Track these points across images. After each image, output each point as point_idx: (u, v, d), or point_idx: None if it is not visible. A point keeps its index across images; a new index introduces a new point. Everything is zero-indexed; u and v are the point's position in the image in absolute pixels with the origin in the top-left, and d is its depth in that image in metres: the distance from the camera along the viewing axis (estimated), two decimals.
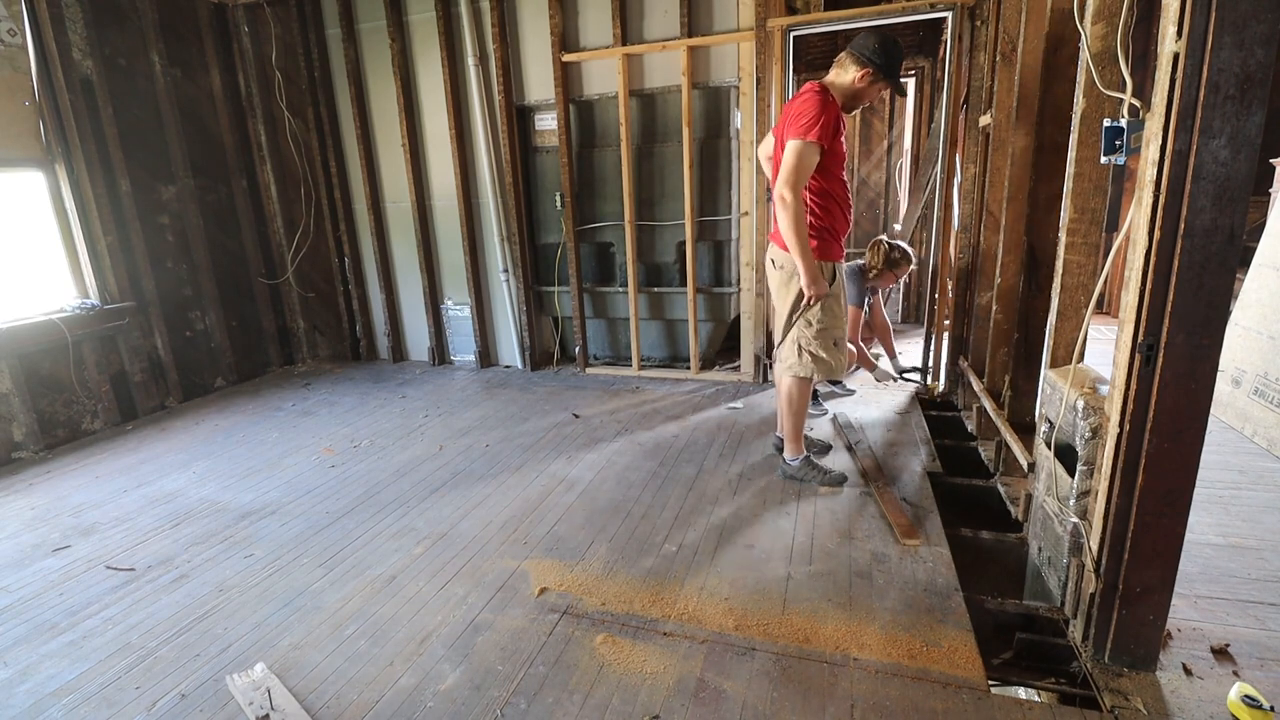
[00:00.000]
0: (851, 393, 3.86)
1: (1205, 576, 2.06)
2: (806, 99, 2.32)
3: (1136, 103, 1.55)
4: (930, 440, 3.13)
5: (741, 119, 3.81)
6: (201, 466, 3.22)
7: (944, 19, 3.46)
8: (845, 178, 2.51)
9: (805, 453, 2.78)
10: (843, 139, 2.43)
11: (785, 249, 2.48)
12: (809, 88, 2.35)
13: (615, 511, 2.61)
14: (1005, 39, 2.85)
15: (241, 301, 4.63)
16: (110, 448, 3.53)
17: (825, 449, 3.02)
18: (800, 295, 2.52)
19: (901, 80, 2.43)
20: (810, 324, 2.55)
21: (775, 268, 2.62)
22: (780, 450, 2.94)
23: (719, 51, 3.80)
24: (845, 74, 2.40)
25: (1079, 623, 1.76)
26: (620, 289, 4.34)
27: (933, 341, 3.79)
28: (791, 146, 2.30)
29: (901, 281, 5.37)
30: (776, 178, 2.41)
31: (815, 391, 3.65)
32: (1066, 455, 1.89)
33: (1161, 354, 1.42)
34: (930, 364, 3.85)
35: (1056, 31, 2.25)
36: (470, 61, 4.11)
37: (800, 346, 2.58)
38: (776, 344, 2.75)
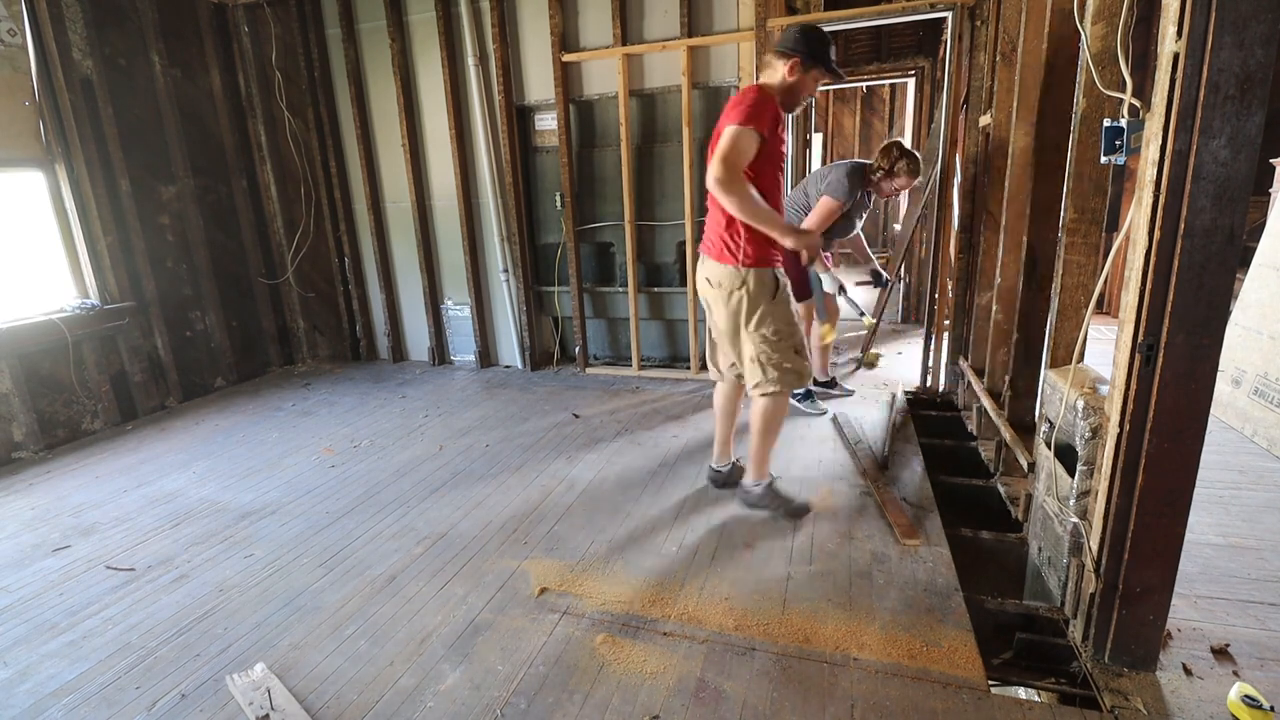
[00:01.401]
0: (850, 393, 3.86)
1: (1205, 576, 2.06)
2: (744, 93, 2.19)
3: (1136, 103, 1.55)
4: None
5: None
6: (201, 466, 3.22)
7: (944, 19, 3.46)
8: (782, 181, 2.34)
9: (770, 478, 2.54)
10: (783, 143, 2.27)
11: (721, 260, 2.29)
12: (748, 87, 2.25)
13: (615, 511, 2.61)
14: (1005, 39, 2.85)
15: (241, 301, 4.63)
16: (110, 448, 3.53)
17: (804, 509, 2.53)
18: (744, 309, 2.30)
19: (836, 66, 2.32)
20: (767, 338, 2.30)
21: (712, 286, 2.34)
22: (718, 482, 2.73)
23: (719, 51, 3.80)
24: (774, 72, 2.25)
25: (1079, 623, 1.76)
26: (620, 289, 4.34)
27: (933, 341, 3.79)
28: (728, 131, 2.09)
29: (901, 279, 5.33)
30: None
31: (810, 392, 3.63)
32: (1066, 455, 1.89)
33: (1161, 354, 1.43)
34: (930, 364, 3.85)
35: (1056, 31, 2.25)
36: (470, 61, 4.11)
37: (762, 363, 2.33)
38: (723, 366, 2.59)
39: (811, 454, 3.06)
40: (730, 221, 2.24)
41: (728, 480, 2.72)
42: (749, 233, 2.23)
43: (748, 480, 2.56)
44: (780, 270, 2.34)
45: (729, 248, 2.27)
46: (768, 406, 2.41)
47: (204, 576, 2.29)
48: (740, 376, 2.52)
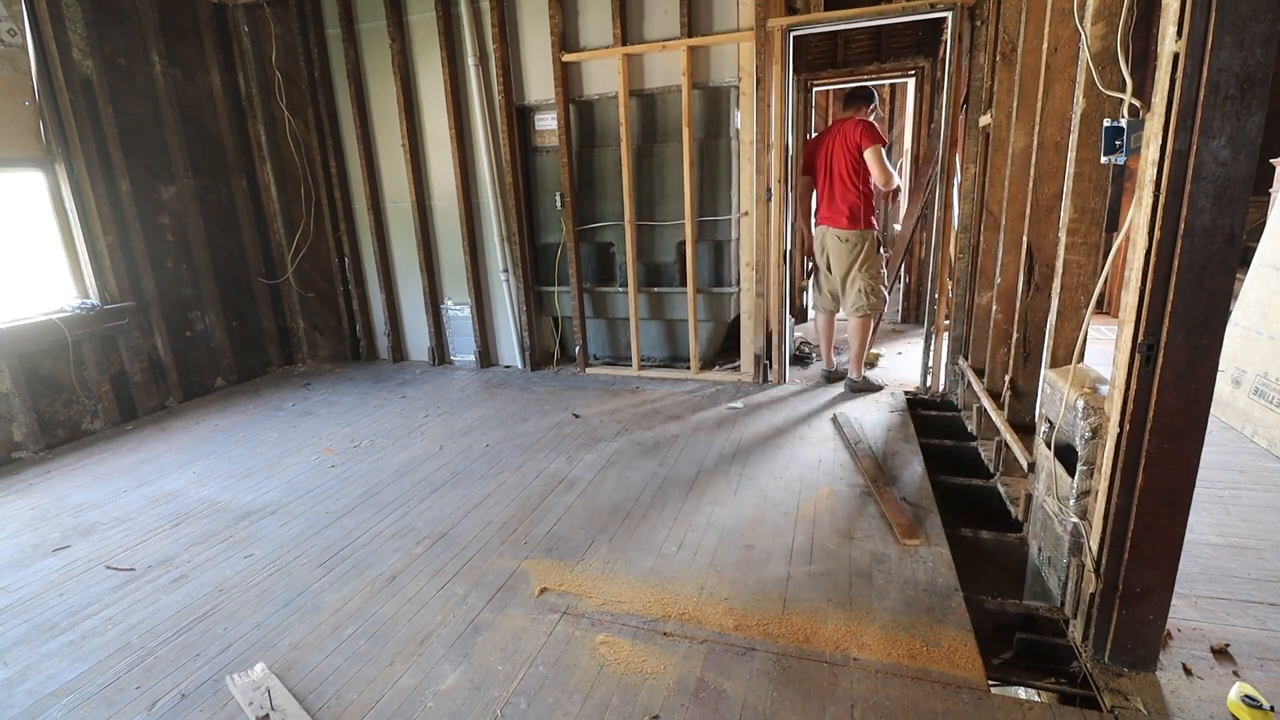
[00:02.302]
0: (882, 388, 3.94)
1: (1205, 576, 2.06)
2: (861, 125, 3.62)
3: (1136, 103, 1.55)
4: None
5: (741, 119, 3.81)
6: (201, 466, 3.22)
7: (944, 19, 3.46)
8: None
9: (864, 373, 3.96)
10: None
11: (848, 227, 3.71)
12: (858, 121, 3.65)
13: (615, 511, 2.61)
14: (1005, 39, 2.85)
15: (241, 301, 4.63)
16: (110, 448, 3.53)
17: (878, 387, 3.98)
18: (859, 257, 3.74)
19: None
20: (873, 275, 3.78)
21: (842, 241, 3.76)
22: (829, 379, 4.10)
23: (719, 51, 3.80)
24: (859, 111, 3.77)
25: (1079, 623, 1.76)
26: (620, 289, 4.34)
27: (932, 341, 3.79)
28: (875, 152, 3.55)
29: (901, 279, 5.40)
30: (852, 178, 3.69)
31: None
32: (1066, 455, 1.89)
33: (1161, 354, 1.42)
34: (930, 364, 3.85)
35: (1056, 31, 2.25)
36: (470, 61, 4.11)
37: (866, 292, 3.77)
38: (827, 304, 4.04)
39: (811, 454, 3.06)
40: (860, 200, 3.67)
41: (834, 377, 4.10)
42: (869, 208, 3.72)
43: (852, 374, 3.93)
44: (877, 233, 3.79)
45: (858, 217, 3.69)
46: (863, 323, 3.84)
47: (204, 576, 2.29)
48: (835, 311, 4.03)
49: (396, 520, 2.62)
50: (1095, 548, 1.65)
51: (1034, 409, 2.54)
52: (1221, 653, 1.74)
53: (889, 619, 1.91)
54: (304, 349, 5.00)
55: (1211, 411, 1.68)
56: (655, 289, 4.29)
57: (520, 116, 4.27)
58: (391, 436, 3.51)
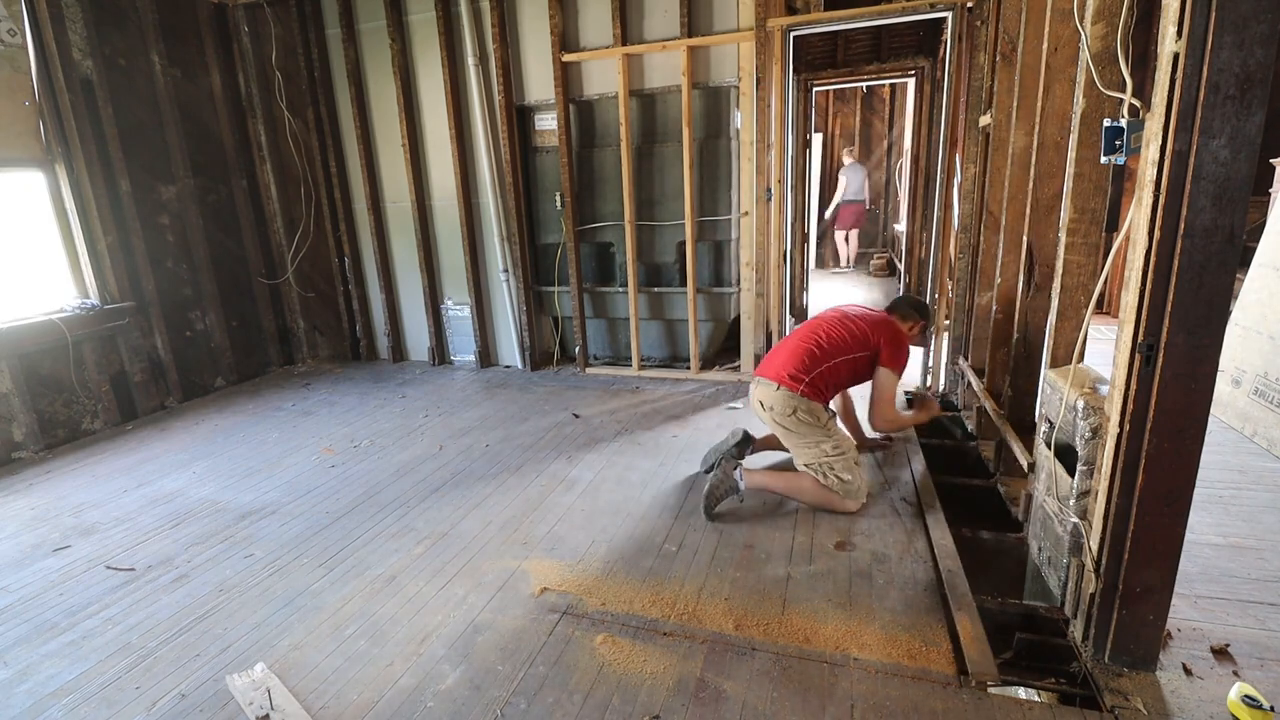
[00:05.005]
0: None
1: (1205, 576, 2.06)
2: (897, 333, 2.70)
3: (1136, 103, 1.55)
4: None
5: (741, 119, 3.81)
6: (201, 466, 3.22)
7: (944, 19, 3.46)
8: None
9: None
10: None
11: (794, 388, 2.53)
12: (896, 326, 2.72)
13: (615, 511, 2.61)
14: (1005, 39, 2.85)
15: (241, 301, 4.63)
16: (110, 448, 3.53)
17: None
18: (804, 432, 2.52)
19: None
20: (829, 452, 2.49)
21: (765, 409, 2.62)
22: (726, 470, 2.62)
23: (719, 51, 3.80)
24: (903, 323, 2.80)
25: (1079, 623, 1.76)
26: (620, 289, 4.34)
27: (932, 341, 3.79)
28: (888, 375, 2.65)
29: (901, 279, 5.43)
30: (868, 399, 2.71)
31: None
32: (1066, 455, 1.89)
33: (1161, 354, 1.42)
34: (930, 364, 3.85)
35: (1056, 31, 2.25)
36: (470, 61, 4.11)
37: (825, 472, 2.49)
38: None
39: None
40: (821, 386, 2.56)
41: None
42: (831, 394, 2.65)
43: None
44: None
45: (812, 393, 2.54)
46: (812, 487, 2.51)
47: (204, 576, 2.29)
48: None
49: (396, 520, 2.62)
50: (1095, 548, 1.65)
51: (1034, 409, 2.54)
52: (1221, 653, 1.74)
53: (889, 619, 1.91)
54: (304, 349, 5.00)
55: (1211, 411, 1.68)
56: (655, 289, 4.29)
57: (520, 116, 4.27)
58: (391, 436, 3.51)
